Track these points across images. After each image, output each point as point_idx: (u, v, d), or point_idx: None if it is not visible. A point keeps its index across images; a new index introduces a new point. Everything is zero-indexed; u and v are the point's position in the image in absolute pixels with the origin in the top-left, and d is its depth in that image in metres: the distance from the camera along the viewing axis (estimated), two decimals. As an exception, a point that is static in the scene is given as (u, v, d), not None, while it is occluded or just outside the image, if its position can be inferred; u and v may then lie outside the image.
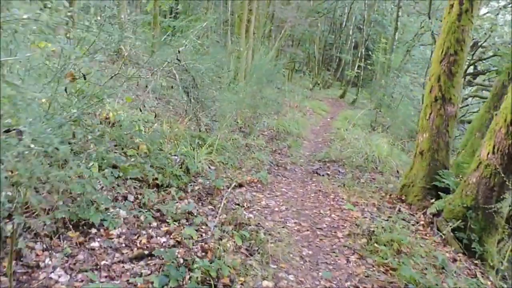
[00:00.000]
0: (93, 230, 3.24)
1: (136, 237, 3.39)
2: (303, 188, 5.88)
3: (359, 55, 22.56)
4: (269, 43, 19.28)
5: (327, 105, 18.64)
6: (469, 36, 5.67)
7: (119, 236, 3.31)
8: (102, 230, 3.29)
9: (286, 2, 21.46)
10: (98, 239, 3.17)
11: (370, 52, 27.68)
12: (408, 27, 24.83)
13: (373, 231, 4.33)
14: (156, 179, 4.42)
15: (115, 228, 3.35)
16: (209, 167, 5.50)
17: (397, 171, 7.63)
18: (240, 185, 5.34)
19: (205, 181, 4.94)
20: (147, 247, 3.27)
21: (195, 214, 4.05)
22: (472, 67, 15.55)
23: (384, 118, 13.51)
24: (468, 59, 16.64)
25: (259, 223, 4.24)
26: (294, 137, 9.34)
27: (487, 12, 15.63)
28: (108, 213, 3.44)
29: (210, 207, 4.40)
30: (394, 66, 18.44)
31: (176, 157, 5.23)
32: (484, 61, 16.60)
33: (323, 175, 6.64)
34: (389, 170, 7.49)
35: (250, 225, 4.07)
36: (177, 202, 4.18)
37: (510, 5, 12.97)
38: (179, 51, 5.98)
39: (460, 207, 4.72)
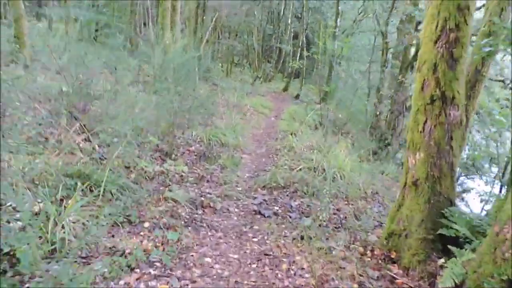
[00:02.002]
0: None
1: None
2: (239, 250, 3.63)
3: (300, 44, 20.61)
4: (202, 35, 16.80)
5: (270, 100, 16.54)
6: (474, 2, 3.65)
7: None
8: None
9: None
10: None
11: (309, 42, 25.96)
12: (345, 13, 23.29)
13: None
14: None
15: None
16: (75, 237, 3.12)
17: (366, 194, 5.60)
18: (129, 268, 3.00)
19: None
20: None
21: None
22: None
23: (335, 114, 11.54)
24: (417, 43, 15.12)
25: None
26: (230, 151, 7.07)
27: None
28: None
29: None
30: (343, 54, 16.58)
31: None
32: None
33: (268, 216, 4.43)
34: (357, 193, 5.44)
35: None
36: None
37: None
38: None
39: (495, 279, 2.72)
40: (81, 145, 4.84)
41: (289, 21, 25.39)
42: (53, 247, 2.92)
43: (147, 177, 4.96)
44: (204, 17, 18.15)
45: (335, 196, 5.31)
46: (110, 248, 3.17)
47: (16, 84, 7.79)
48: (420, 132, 3.59)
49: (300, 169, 6.02)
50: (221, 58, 22.63)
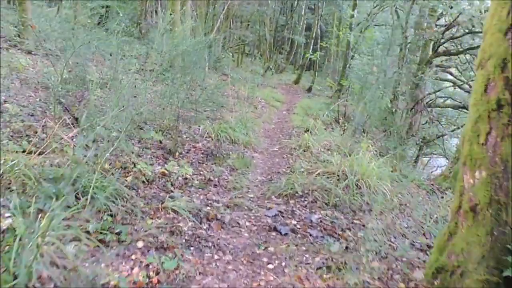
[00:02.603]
0: None
1: None
2: (251, 281, 2.92)
3: (313, 36, 19.72)
4: (213, 23, 16.02)
5: (281, 92, 15.78)
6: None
7: None
8: None
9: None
10: None
11: (322, 34, 25.02)
12: (359, 6, 22.34)
13: None
14: None
15: None
16: (46, 268, 2.43)
17: (394, 205, 4.87)
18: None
19: None
20: None
21: None
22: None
23: (352, 110, 10.73)
24: (437, 38, 14.25)
25: None
26: (241, 149, 6.36)
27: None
28: None
29: None
30: (357, 47, 15.74)
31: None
32: (455, 40, 14.25)
33: (285, 234, 3.72)
34: (384, 205, 4.71)
35: None
36: None
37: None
38: None
39: None
40: (71, 141, 4.15)
41: (303, 12, 24.47)
42: (15, 282, 2.24)
43: (146, 180, 4.27)
44: (216, 6, 17.36)
45: (360, 208, 4.60)
46: (91, 280, 2.49)
47: (14, 71, 7.12)
48: (482, 145, 2.84)
49: (319, 174, 5.29)
50: (232, 48, 21.83)
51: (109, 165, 4.35)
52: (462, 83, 15.94)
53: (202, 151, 5.80)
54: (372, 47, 19.46)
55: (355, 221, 4.30)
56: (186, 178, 4.65)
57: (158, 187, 4.26)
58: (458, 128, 13.92)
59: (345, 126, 8.50)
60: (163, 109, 6.71)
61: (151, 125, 6.27)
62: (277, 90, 15.83)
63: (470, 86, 16.31)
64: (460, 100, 15.83)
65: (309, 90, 17.50)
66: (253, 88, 13.14)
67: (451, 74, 19.14)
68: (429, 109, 15.28)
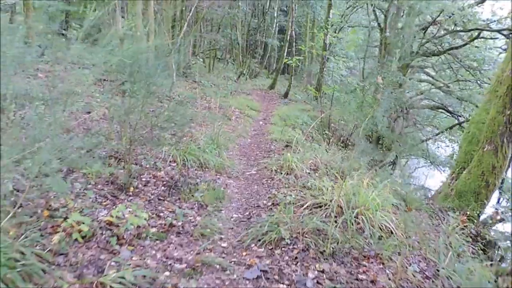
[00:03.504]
0: None
1: None
2: None
3: (288, 38, 18.80)
4: (181, 26, 14.85)
5: (257, 99, 14.77)
6: None
7: None
8: None
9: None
10: None
11: (296, 37, 24.16)
12: (333, 7, 21.65)
13: None
14: None
15: None
16: None
17: (401, 241, 3.90)
18: None
19: None
20: None
21: None
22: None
23: (333, 119, 9.80)
24: (420, 39, 13.54)
25: None
26: (212, 175, 5.28)
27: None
28: None
29: None
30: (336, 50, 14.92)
31: None
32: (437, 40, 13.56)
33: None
34: (394, 246, 3.73)
35: None
36: None
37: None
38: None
39: None
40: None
41: (275, 14, 23.59)
42: None
43: (81, 238, 3.13)
44: (183, 8, 16.19)
45: (363, 254, 3.60)
46: None
47: None
48: None
49: (308, 207, 4.27)
50: (203, 53, 20.70)
51: (33, 216, 3.20)
52: (442, 84, 15.35)
53: (164, 182, 4.69)
54: (350, 49, 18.69)
55: (360, 275, 3.29)
56: (139, 227, 3.53)
57: (99, 246, 3.13)
58: (442, 132, 13.21)
59: (329, 139, 7.53)
60: (121, 128, 5.57)
61: (104, 150, 5.12)
62: (252, 97, 14.80)
63: (449, 87, 15.76)
64: (436, 100, 15.24)
65: (286, 95, 16.55)
66: (226, 96, 12.08)
67: (427, 74, 18.62)
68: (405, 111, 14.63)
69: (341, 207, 4.20)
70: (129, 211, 3.69)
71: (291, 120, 10.34)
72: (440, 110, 14.97)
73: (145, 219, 3.67)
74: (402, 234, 4.10)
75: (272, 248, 3.53)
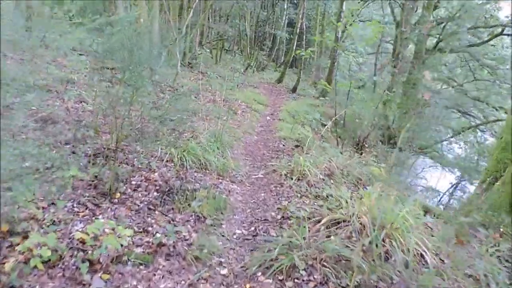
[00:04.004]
0: None
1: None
2: None
3: (297, 31, 17.97)
4: (186, 14, 14.08)
5: (264, 93, 14.02)
6: None
7: None
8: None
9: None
10: None
11: (306, 29, 23.29)
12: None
13: None
14: None
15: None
16: None
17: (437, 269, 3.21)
18: None
19: None
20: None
21: None
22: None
23: (346, 117, 9.03)
24: (438, 34, 12.74)
25: None
26: (213, 179, 4.59)
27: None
28: None
29: None
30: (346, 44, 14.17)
31: None
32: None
33: None
34: (429, 275, 3.02)
35: None
36: None
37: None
38: None
39: None
40: None
41: (285, 6, 22.72)
42: None
43: (42, 264, 2.45)
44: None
45: (394, 289, 2.90)
46: None
47: None
48: None
49: (325, 224, 3.57)
50: (210, 44, 19.91)
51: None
52: (456, 84, 14.55)
53: (157, 187, 3.99)
54: (370, 43, 17.81)
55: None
56: (121, 245, 2.84)
57: (64, 275, 2.45)
58: (459, 133, 12.41)
59: (343, 139, 6.79)
60: (107, 122, 4.90)
61: (90, 147, 4.44)
62: (259, 91, 14.05)
63: (462, 86, 14.95)
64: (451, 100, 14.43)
65: (294, 90, 15.77)
66: (232, 88, 11.35)
67: (441, 72, 17.79)
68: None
69: (363, 224, 3.50)
70: (110, 226, 3.01)
71: (300, 116, 9.61)
72: (451, 109, 14.21)
73: (128, 236, 2.99)
74: (434, 260, 3.40)
75: (283, 279, 2.83)
